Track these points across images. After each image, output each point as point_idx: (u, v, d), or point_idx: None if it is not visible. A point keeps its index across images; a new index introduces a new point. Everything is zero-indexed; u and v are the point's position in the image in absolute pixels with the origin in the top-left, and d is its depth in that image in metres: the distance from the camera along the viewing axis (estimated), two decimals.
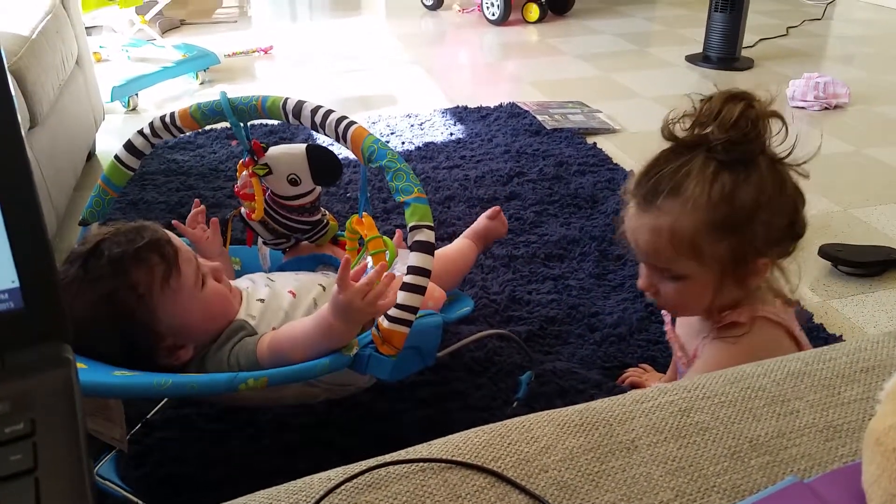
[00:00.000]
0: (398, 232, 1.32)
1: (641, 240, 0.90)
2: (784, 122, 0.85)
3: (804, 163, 0.87)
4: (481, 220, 1.42)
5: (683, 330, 1.04)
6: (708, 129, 0.85)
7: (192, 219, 1.21)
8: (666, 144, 0.90)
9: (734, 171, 0.83)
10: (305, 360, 0.90)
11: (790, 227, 0.87)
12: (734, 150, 0.83)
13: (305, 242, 1.30)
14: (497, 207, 1.44)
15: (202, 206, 1.23)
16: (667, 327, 1.10)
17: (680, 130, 0.88)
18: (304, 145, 1.20)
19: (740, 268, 0.87)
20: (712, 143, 0.84)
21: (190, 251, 1.01)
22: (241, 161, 1.20)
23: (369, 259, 1.10)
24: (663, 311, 1.09)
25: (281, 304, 1.06)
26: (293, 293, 1.08)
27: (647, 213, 0.88)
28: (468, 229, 1.42)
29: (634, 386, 1.23)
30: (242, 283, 1.11)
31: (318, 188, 1.24)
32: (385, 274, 0.91)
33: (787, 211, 0.87)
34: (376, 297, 0.89)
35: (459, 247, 1.38)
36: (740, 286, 0.89)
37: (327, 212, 1.32)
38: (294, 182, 1.19)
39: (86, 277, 0.91)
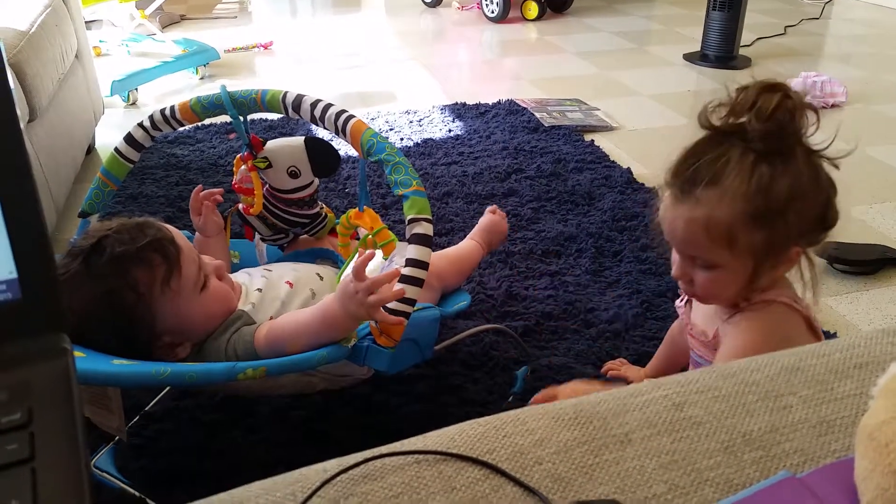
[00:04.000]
0: None
1: (678, 229, 0.90)
2: (818, 115, 0.85)
3: (843, 157, 0.88)
4: (484, 216, 1.42)
5: (699, 313, 1.04)
6: (743, 119, 0.85)
7: (205, 197, 1.18)
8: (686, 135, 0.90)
9: (772, 163, 0.84)
10: (304, 349, 0.90)
11: (822, 218, 0.88)
12: (772, 141, 0.83)
13: (304, 236, 1.30)
14: (493, 206, 1.44)
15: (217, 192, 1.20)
16: (681, 311, 1.09)
17: (715, 119, 0.88)
18: (303, 138, 1.20)
19: (773, 257, 0.88)
20: (750, 134, 0.84)
21: (193, 250, 1.00)
22: (238, 156, 1.20)
23: (379, 252, 1.11)
24: (677, 303, 1.10)
25: (277, 293, 1.06)
26: (290, 284, 1.08)
27: (684, 204, 0.88)
28: (473, 230, 1.42)
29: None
30: (239, 276, 1.11)
31: (316, 181, 1.24)
32: (395, 288, 0.91)
33: (820, 202, 0.87)
34: (378, 301, 0.88)
35: (464, 246, 1.38)
36: (773, 274, 0.90)
37: (324, 205, 1.32)
38: (294, 174, 1.19)
39: (87, 273, 0.91)
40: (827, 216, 0.89)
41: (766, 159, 0.84)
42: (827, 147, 0.87)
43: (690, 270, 0.93)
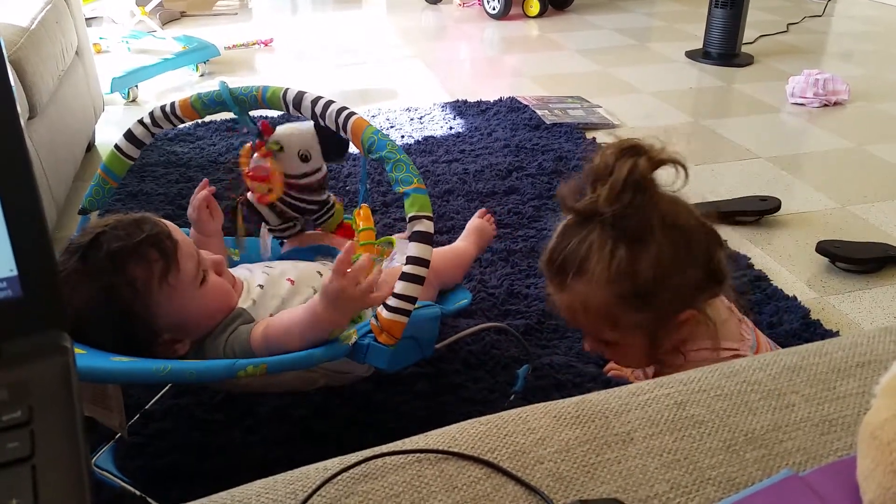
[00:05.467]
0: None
1: (564, 314, 0.91)
2: (683, 167, 0.83)
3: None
4: (473, 220, 1.43)
5: None
6: (605, 188, 0.82)
7: (201, 200, 1.17)
8: None
9: (629, 244, 0.82)
10: (297, 349, 0.90)
11: (707, 277, 0.87)
12: (624, 223, 0.81)
13: (308, 231, 1.30)
14: (483, 209, 1.45)
15: (210, 189, 1.19)
16: None
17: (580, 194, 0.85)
18: (311, 122, 1.20)
19: (664, 325, 0.88)
20: (602, 217, 0.82)
21: (192, 245, 1.00)
22: (246, 146, 1.20)
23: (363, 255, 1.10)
24: None
25: (278, 291, 1.06)
26: (292, 281, 1.08)
27: (560, 293, 0.89)
28: (464, 232, 1.42)
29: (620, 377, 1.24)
30: (240, 272, 1.11)
31: (325, 167, 1.24)
32: (375, 267, 0.91)
33: (698, 264, 0.85)
34: (369, 286, 0.88)
35: (458, 245, 1.38)
36: (675, 336, 0.90)
37: (332, 195, 1.32)
38: (305, 158, 1.19)
39: (84, 270, 0.91)
40: (714, 272, 0.87)
41: (623, 241, 0.82)
42: (677, 220, 0.84)
43: (597, 344, 0.94)
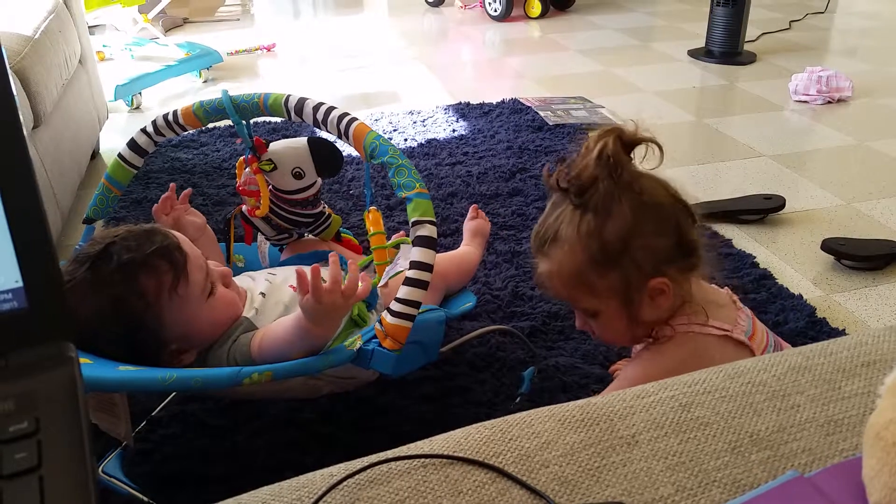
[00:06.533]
0: (402, 233, 1.33)
1: (546, 286, 0.94)
2: (657, 144, 0.88)
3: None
4: (472, 221, 1.43)
5: None
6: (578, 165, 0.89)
7: (163, 204, 1.15)
8: None
9: (595, 211, 0.87)
10: (292, 359, 0.91)
11: (678, 246, 0.89)
12: (592, 195, 0.86)
13: (307, 237, 1.31)
14: (473, 206, 1.47)
15: (173, 190, 1.17)
16: None
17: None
18: (305, 138, 1.21)
19: (638, 293, 0.90)
20: (572, 190, 0.88)
21: (201, 257, 1.00)
22: (241, 159, 1.21)
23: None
24: None
25: (281, 297, 1.06)
26: (294, 288, 1.08)
27: (541, 263, 0.93)
28: (466, 237, 1.43)
29: None
30: (243, 281, 1.11)
31: (319, 180, 1.25)
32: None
33: (667, 231, 0.88)
34: (352, 289, 0.89)
35: (464, 250, 1.39)
36: (653, 308, 0.91)
37: (327, 206, 1.32)
38: (299, 175, 1.20)
39: (94, 280, 0.91)
40: (682, 242, 0.90)
41: (590, 210, 0.87)
42: (642, 194, 0.87)
43: (585, 320, 0.97)
